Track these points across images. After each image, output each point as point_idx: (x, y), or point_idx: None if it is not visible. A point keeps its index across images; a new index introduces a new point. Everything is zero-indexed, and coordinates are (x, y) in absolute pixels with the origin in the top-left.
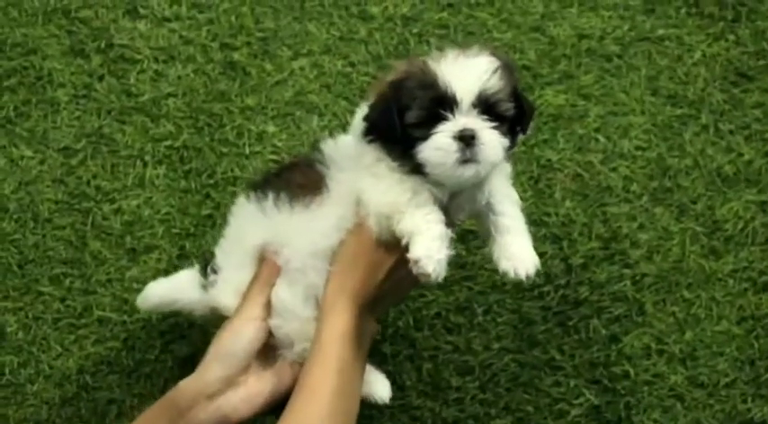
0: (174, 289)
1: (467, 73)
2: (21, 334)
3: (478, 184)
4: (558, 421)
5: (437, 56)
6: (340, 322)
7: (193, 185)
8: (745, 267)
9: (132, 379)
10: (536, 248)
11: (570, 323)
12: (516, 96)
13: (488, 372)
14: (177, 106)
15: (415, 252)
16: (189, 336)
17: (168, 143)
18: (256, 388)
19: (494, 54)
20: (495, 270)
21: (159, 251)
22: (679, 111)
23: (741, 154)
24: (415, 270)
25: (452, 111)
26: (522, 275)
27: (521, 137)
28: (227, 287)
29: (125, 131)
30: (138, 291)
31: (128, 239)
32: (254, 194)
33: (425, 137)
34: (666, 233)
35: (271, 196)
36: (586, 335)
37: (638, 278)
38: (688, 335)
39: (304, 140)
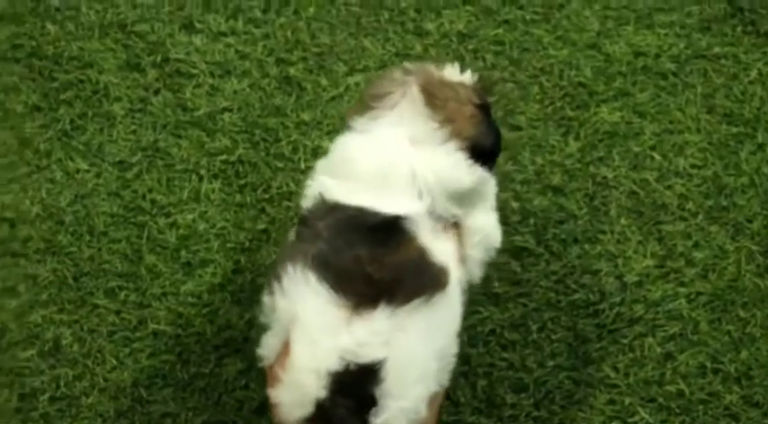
0: None
1: None
2: (76, 347)
3: None
4: None
5: None
6: None
7: (248, 199)
8: None
9: (187, 393)
10: (590, 265)
11: (625, 341)
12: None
13: (543, 389)
14: (233, 120)
15: None
16: (243, 350)
17: (223, 157)
18: None
19: None
20: (550, 287)
21: (214, 266)
22: (735, 130)
23: None
24: None
25: None
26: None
27: None
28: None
29: (180, 145)
30: (193, 305)
31: (183, 253)
32: None
33: None
34: (722, 251)
35: None
36: (641, 353)
37: (693, 296)
38: (743, 354)
39: None
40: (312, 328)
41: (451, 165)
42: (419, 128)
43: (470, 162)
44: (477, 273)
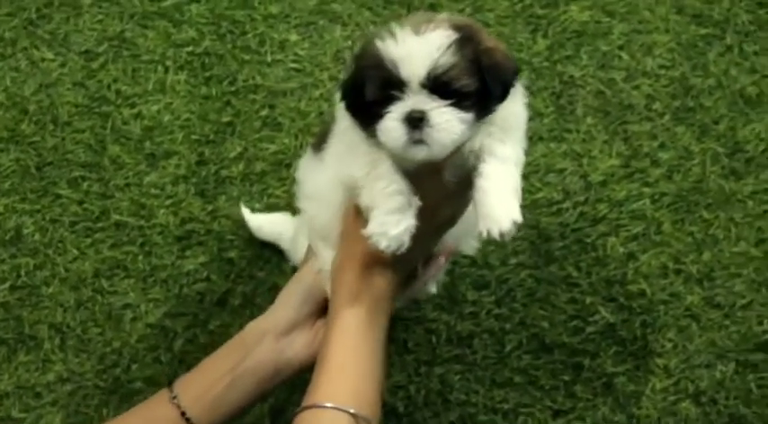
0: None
1: (415, 52)
2: (37, 236)
3: (459, 149)
4: (573, 338)
5: (388, 33)
6: (346, 297)
7: (214, 92)
8: (765, 188)
9: (148, 284)
10: (555, 164)
11: (588, 241)
12: (480, 68)
13: (504, 287)
14: (200, 12)
15: (368, 229)
16: (205, 242)
17: (190, 49)
18: (318, 335)
19: (453, 26)
20: None
21: (178, 157)
22: (704, 31)
23: (765, 76)
24: (371, 246)
25: (403, 92)
26: (495, 234)
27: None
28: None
29: (147, 36)
30: (156, 196)
31: (147, 144)
32: (314, 151)
33: (382, 116)
34: (687, 152)
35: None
36: (604, 253)
37: (657, 197)
38: (706, 255)
39: (326, 50)
40: None
41: None
42: None
43: None
44: None
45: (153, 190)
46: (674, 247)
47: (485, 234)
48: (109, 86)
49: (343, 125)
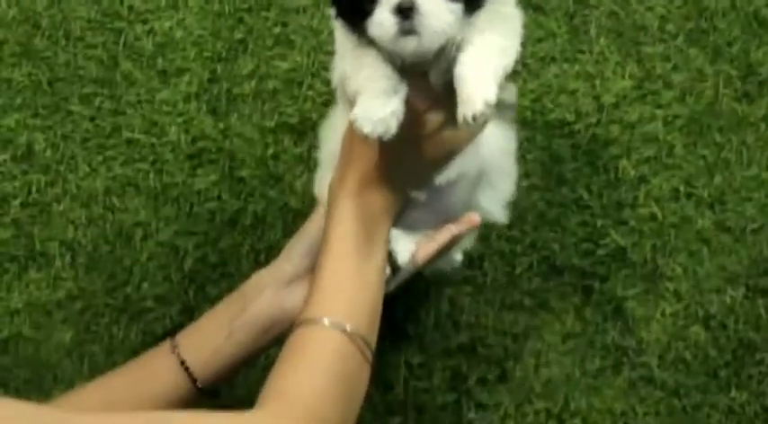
0: None
1: None
2: (49, 153)
3: (445, 46)
4: (583, 261)
5: None
6: (341, 217)
7: (227, 8)
8: None
9: (159, 202)
10: (567, 85)
11: (599, 163)
12: None
13: (515, 209)
14: None
15: (353, 112)
16: (216, 161)
17: None
18: None
19: None
20: (527, 106)
21: (190, 74)
22: None
23: None
24: (356, 131)
25: None
26: (469, 118)
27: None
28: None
29: None
30: (168, 113)
31: (159, 60)
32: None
33: (371, 12)
34: (700, 74)
35: None
36: (615, 175)
37: (669, 119)
38: (717, 179)
39: None
40: None
41: None
42: None
43: None
44: None
45: (165, 107)
46: (685, 170)
47: (461, 121)
48: (121, 2)
49: (338, 34)
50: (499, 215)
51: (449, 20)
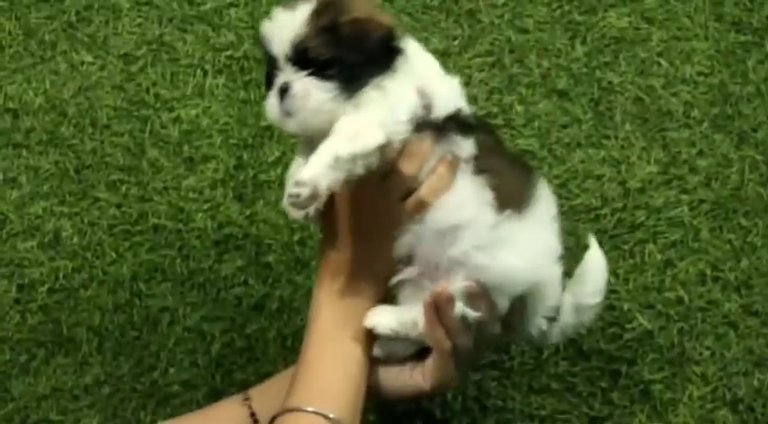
0: None
1: (281, 28)
2: (76, 239)
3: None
4: (610, 345)
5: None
6: (318, 307)
7: (252, 96)
8: None
9: (185, 288)
10: (593, 170)
11: (626, 247)
12: (338, 32)
13: None
14: (239, 16)
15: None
16: (243, 247)
17: (229, 53)
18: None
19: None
20: (552, 191)
21: (216, 161)
22: (743, 38)
23: None
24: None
25: (278, 67)
26: (285, 196)
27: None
28: None
29: (186, 40)
30: (194, 200)
31: (185, 148)
32: None
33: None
34: (725, 160)
35: None
36: (641, 259)
37: (695, 204)
38: (743, 263)
39: None
40: None
41: None
42: None
43: None
44: None
45: (191, 194)
46: (711, 254)
47: (284, 200)
48: (147, 90)
49: None
50: (533, 327)
51: (320, 99)
